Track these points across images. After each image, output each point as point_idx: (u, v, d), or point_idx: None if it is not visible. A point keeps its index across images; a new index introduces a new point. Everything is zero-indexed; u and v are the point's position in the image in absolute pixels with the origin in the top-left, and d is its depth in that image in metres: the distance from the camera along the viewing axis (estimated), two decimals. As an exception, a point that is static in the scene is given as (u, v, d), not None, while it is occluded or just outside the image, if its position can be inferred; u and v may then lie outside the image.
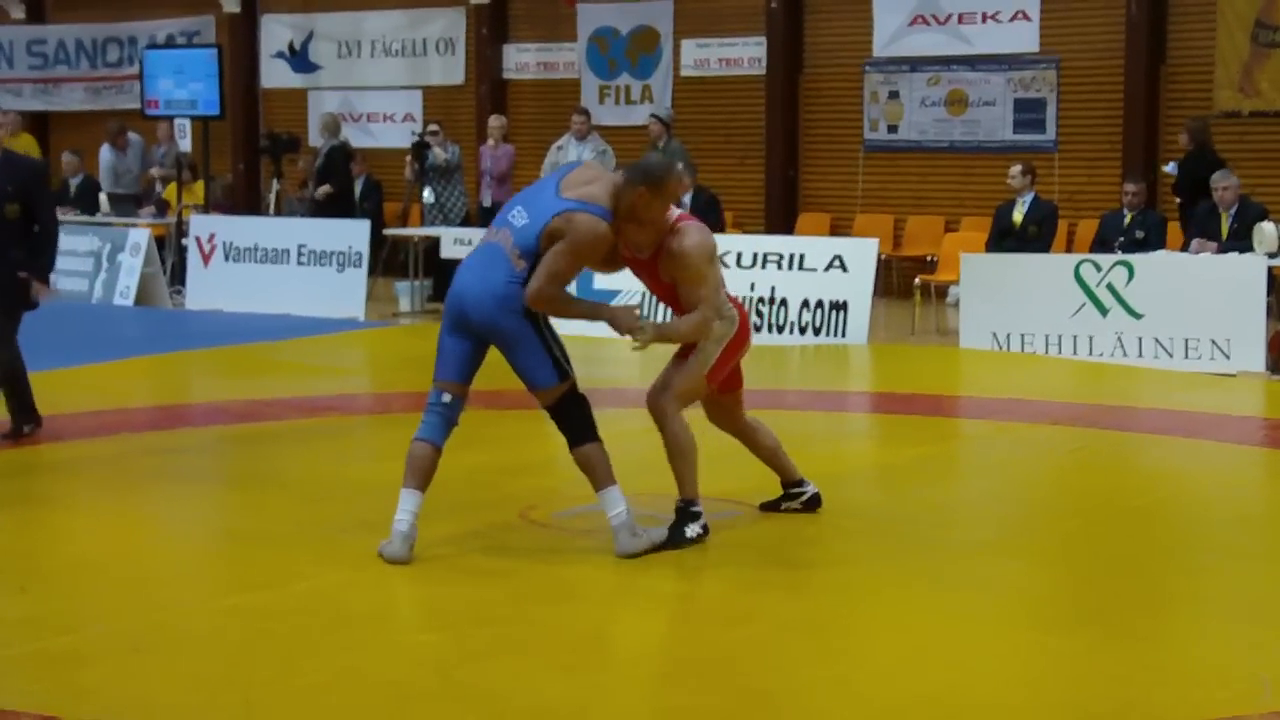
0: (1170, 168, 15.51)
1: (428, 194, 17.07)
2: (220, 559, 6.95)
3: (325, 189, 17.79)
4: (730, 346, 6.94)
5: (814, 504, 7.35)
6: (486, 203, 17.62)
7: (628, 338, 6.74)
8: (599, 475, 6.65)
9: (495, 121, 17.92)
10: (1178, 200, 15.05)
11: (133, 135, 20.46)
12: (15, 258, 9.18)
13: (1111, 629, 5.79)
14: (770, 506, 7.38)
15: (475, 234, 16.09)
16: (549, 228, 6.48)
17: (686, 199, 15.69)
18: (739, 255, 14.15)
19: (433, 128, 17.50)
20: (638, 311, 6.81)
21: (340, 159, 18.09)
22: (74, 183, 19.49)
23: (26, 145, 21.95)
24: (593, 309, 6.94)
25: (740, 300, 7.24)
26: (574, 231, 6.45)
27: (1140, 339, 12.72)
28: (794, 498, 7.33)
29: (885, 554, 6.81)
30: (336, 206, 17.72)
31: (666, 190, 6.55)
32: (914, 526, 7.31)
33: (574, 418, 6.67)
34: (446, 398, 6.69)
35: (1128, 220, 14.21)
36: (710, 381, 6.96)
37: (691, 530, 6.82)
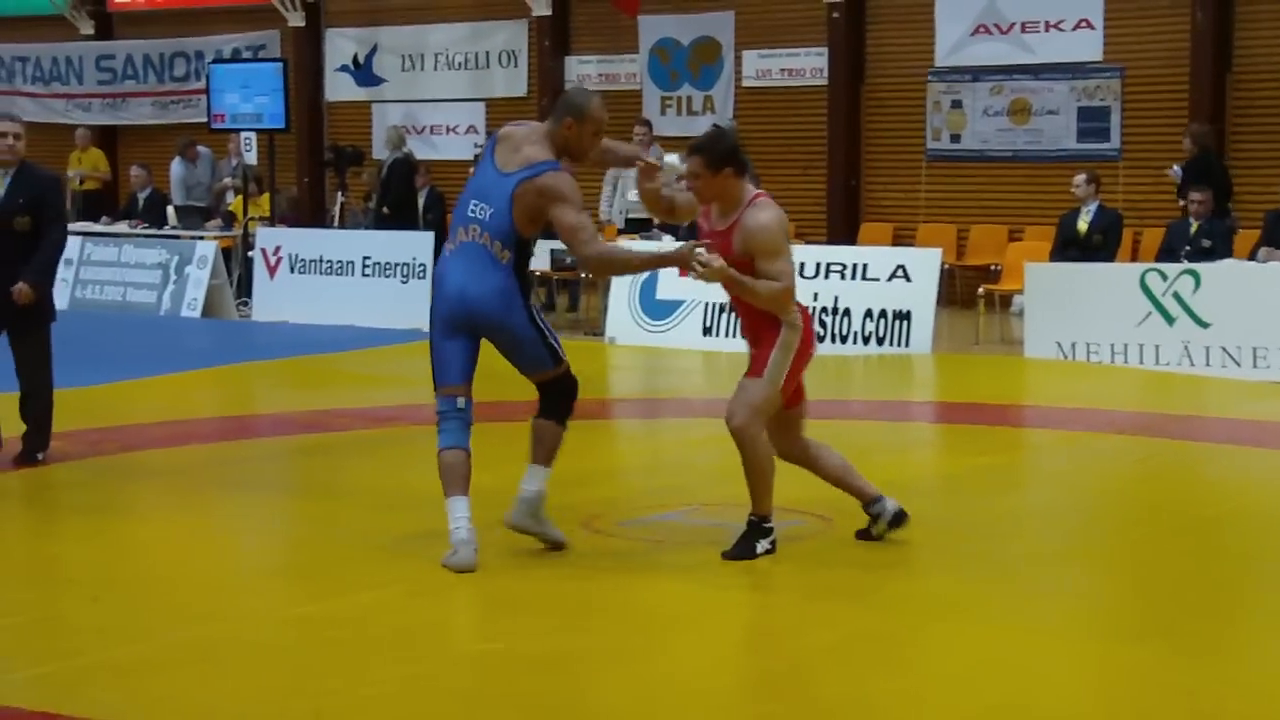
0: (1174, 171, 15.59)
1: None
2: (288, 568, 7.00)
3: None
4: (799, 355, 6.82)
5: (900, 520, 6.97)
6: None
7: (692, 277, 6.70)
8: (549, 450, 6.79)
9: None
10: (1181, 202, 15.05)
11: (202, 149, 20.66)
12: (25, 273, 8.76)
13: (1180, 640, 5.75)
14: (864, 535, 7.06)
15: (538, 245, 16.14)
16: (516, 208, 6.61)
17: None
18: (801, 265, 14.10)
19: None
20: (700, 249, 6.67)
21: (404, 172, 18.19)
22: (142, 196, 19.68)
23: (95, 159, 22.25)
24: (656, 258, 6.94)
25: (807, 309, 7.04)
26: (550, 193, 6.58)
27: (1207, 348, 12.62)
28: (877, 517, 7.00)
29: (952, 564, 6.78)
30: (399, 218, 17.82)
31: (589, 116, 6.72)
32: (980, 537, 7.27)
33: (565, 397, 6.84)
34: (460, 402, 6.78)
35: (1194, 229, 14.10)
36: (783, 395, 6.82)
37: (762, 546, 6.79)
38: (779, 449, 6.95)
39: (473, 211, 6.72)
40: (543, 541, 6.87)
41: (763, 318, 6.80)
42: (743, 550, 6.77)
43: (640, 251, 6.84)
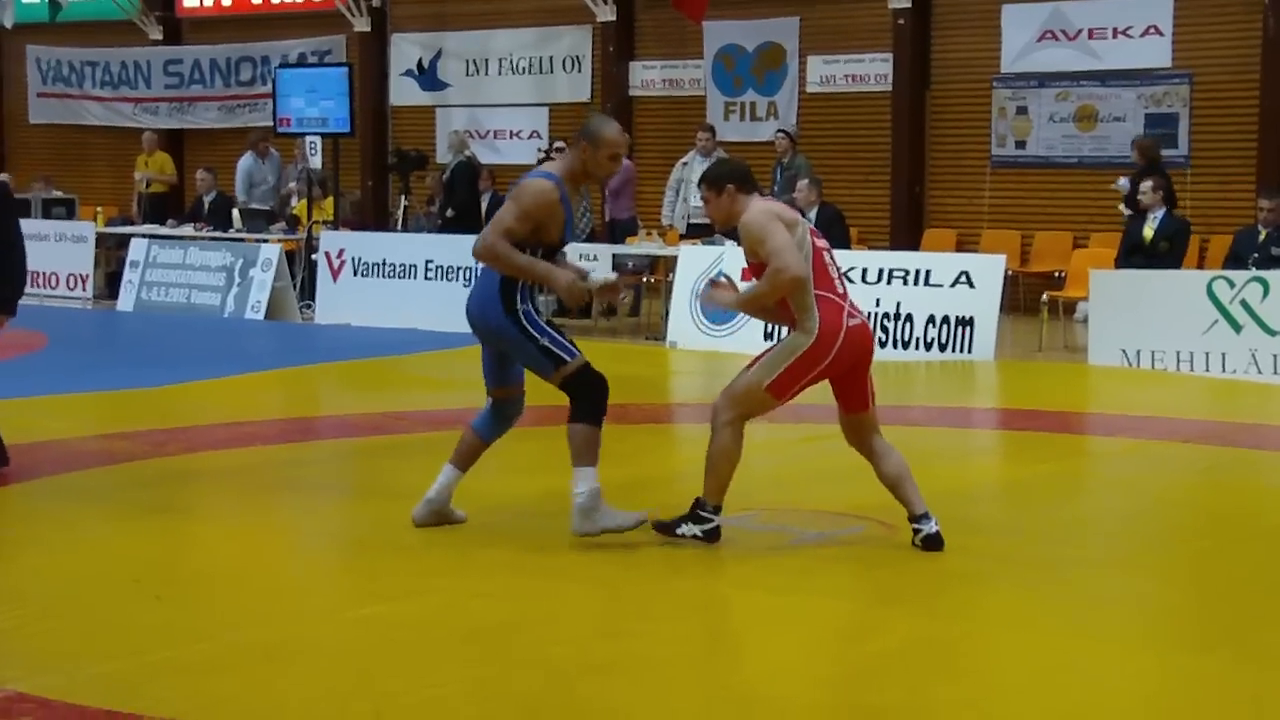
0: (1122, 183, 15.88)
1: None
2: (351, 570, 7.03)
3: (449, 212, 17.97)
4: (803, 360, 6.75)
5: (931, 544, 6.89)
6: (607, 217, 17.73)
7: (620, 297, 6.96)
8: (579, 453, 6.91)
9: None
10: (1128, 212, 15.52)
11: (273, 150, 20.80)
12: None
13: (1245, 650, 5.69)
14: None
15: (599, 249, 16.19)
16: (508, 212, 6.94)
17: (812, 214, 15.67)
18: (864, 271, 14.09)
19: (559, 144, 17.60)
20: (584, 270, 7.08)
21: (467, 176, 18.26)
22: (207, 199, 19.83)
23: (162, 163, 22.45)
24: (540, 271, 6.97)
25: (849, 319, 6.82)
26: (518, 191, 6.92)
27: (1275, 356, 12.50)
28: (916, 534, 6.95)
29: (1013, 571, 6.74)
30: (462, 222, 17.89)
31: (603, 141, 6.95)
32: (1042, 544, 7.23)
33: (579, 397, 6.95)
34: (486, 404, 7.32)
35: (1262, 236, 13.96)
36: (775, 395, 6.82)
37: (688, 529, 6.91)
38: (851, 441, 7.01)
39: None
40: (616, 531, 6.96)
41: (794, 319, 6.82)
42: (666, 526, 6.93)
43: (528, 260, 6.96)
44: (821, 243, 6.94)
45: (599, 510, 6.96)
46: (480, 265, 7.10)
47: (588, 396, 6.95)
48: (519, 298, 6.97)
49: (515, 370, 7.21)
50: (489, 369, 7.26)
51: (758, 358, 6.96)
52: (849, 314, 6.82)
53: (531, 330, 6.95)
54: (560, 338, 6.99)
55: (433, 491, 7.28)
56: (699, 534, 6.91)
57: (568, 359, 6.95)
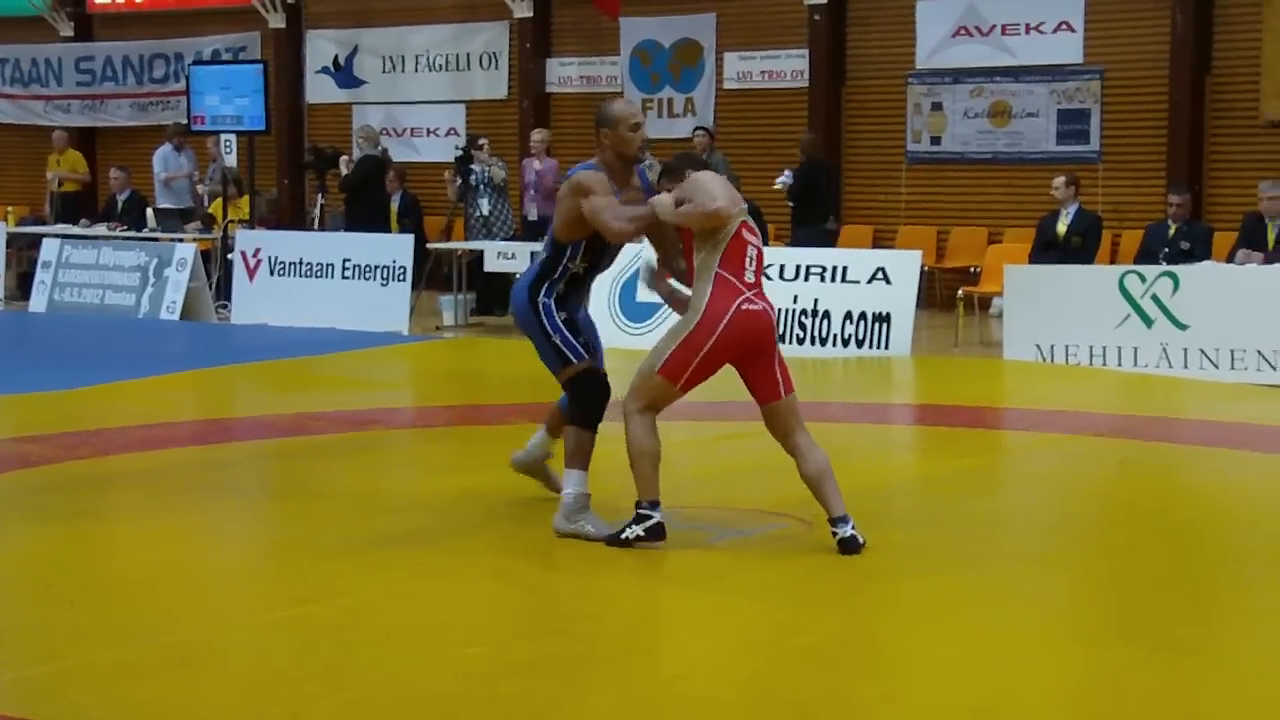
0: (784, 178, 16.63)
1: (485, 205, 17.15)
2: (267, 573, 6.99)
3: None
4: (689, 341, 6.78)
5: (848, 547, 6.82)
6: (532, 216, 17.69)
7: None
8: (570, 454, 7.09)
9: (537, 135, 18.00)
10: (790, 205, 16.63)
11: (188, 147, 20.60)
12: None
13: (1159, 642, 5.76)
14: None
15: (519, 248, 16.16)
16: (557, 213, 7.24)
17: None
18: (781, 268, 14.15)
19: (481, 141, 17.57)
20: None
21: (371, 169, 18.09)
22: (121, 198, 19.64)
23: (74, 161, 22.19)
24: (646, 211, 7.03)
25: (742, 304, 6.80)
26: (574, 185, 7.10)
27: (1186, 350, 12.66)
28: (834, 536, 6.88)
29: (931, 567, 6.79)
30: (369, 219, 17.71)
31: (616, 118, 7.17)
32: (960, 539, 7.29)
33: (577, 400, 7.16)
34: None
35: (1173, 231, 14.15)
36: (669, 379, 6.82)
37: (630, 532, 6.88)
38: (775, 436, 6.98)
39: None
40: (587, 538, 7.02)
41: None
42: (614, 537, 6.92)
43: (636, 207, 7.10)
44: (752, 238, 6.91)
45: (582, 514, 7.04)
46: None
47: (585, 400, 7.10)
48: (544, 291, 7.18)
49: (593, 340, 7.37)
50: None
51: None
52: (746, 300, 6.79)
53: (547, 325, 7.14)
54: (572, 339, 7.14)
55: (531, 442, 7.65)
56: (642, 533, 6.89)
57: (574, 360, 7.12)
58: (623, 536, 6.91)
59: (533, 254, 7.36)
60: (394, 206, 18.30)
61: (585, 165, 7.22)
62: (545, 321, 7.13)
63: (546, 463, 7.76)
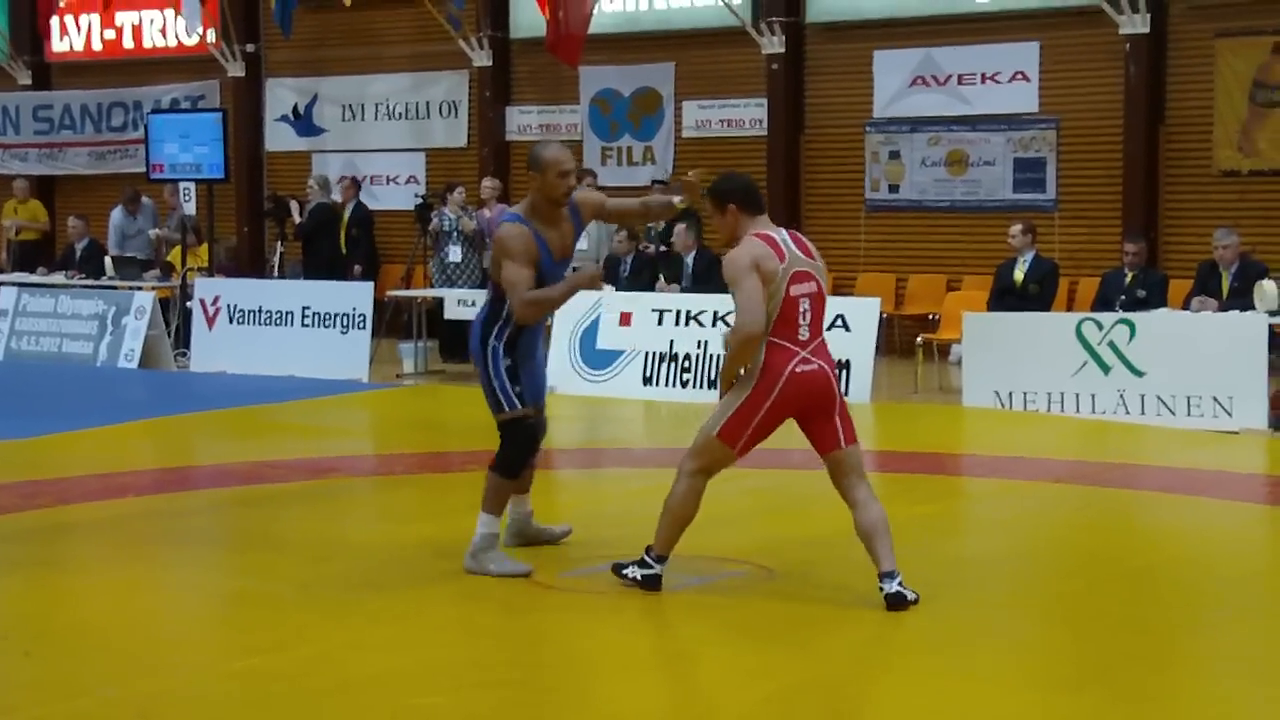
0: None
1: (455, 253, 17.19)
2: (226, 622, 6.95)
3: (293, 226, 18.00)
4: (747, 404, 6.81)
5: (892, 603, 6.73)
6: (486, 264, 17.70)
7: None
8: (485, 497, 7.38)
9: (487, 184, 18.09)
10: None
11: (146, 200, 20.56)
12: None
13: (1119, 689, 5.79)
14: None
15: (480, 294, 16.16)
16: (493, 260, 7.42)
17: (689, 258, 15.77)
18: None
19: (457, 189, 17.60)
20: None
21: (326, 216, 18.10)
22: (79, 246, 19.57)
23: (34, 210, 22.12)
24: (565, 286, 7.42)
25: (798, 366, 6.83)
26: (497, 242, 7.35)
27: (1143, 396, 12.75)
28: (881, 590, 6.78)
29: (891, 613, 6.79)
30: (327, 266, 17.71)
31: (544, 162, 7.27)
32: (919, 585, 7.27)
33: (504, 446, 7.40)
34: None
35: (1129, 279, 14.26)
36: (727, 442, 6.85)
37: (633, 571, 7.04)
38: (836, 489, 7.02)
39: None
40: (497, 576, 7.27)
41: None
42: (618, 566, 7.11)
43: (552, 288, 7.38)
44: (804, 287, 6.88)
45: (488, 553, 7.30)
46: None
47: (510, 449, 7.37)
48: (495, 333, 7.37)
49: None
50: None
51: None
52: (801, 361, 6.81)
53: (491, 369, 7.36)
54: (509, 386, 7.35)
55: (508, 518, 7.71)
56: (638, 578, 7.03)
57: (507, 408, 7.36)
58: (625, 571, 7.07)
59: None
60: (345, 214, 18.34)
61: (510, 215, 7.43)
62: (490, 365, 7.36)
63: (533, 520, 7.95)
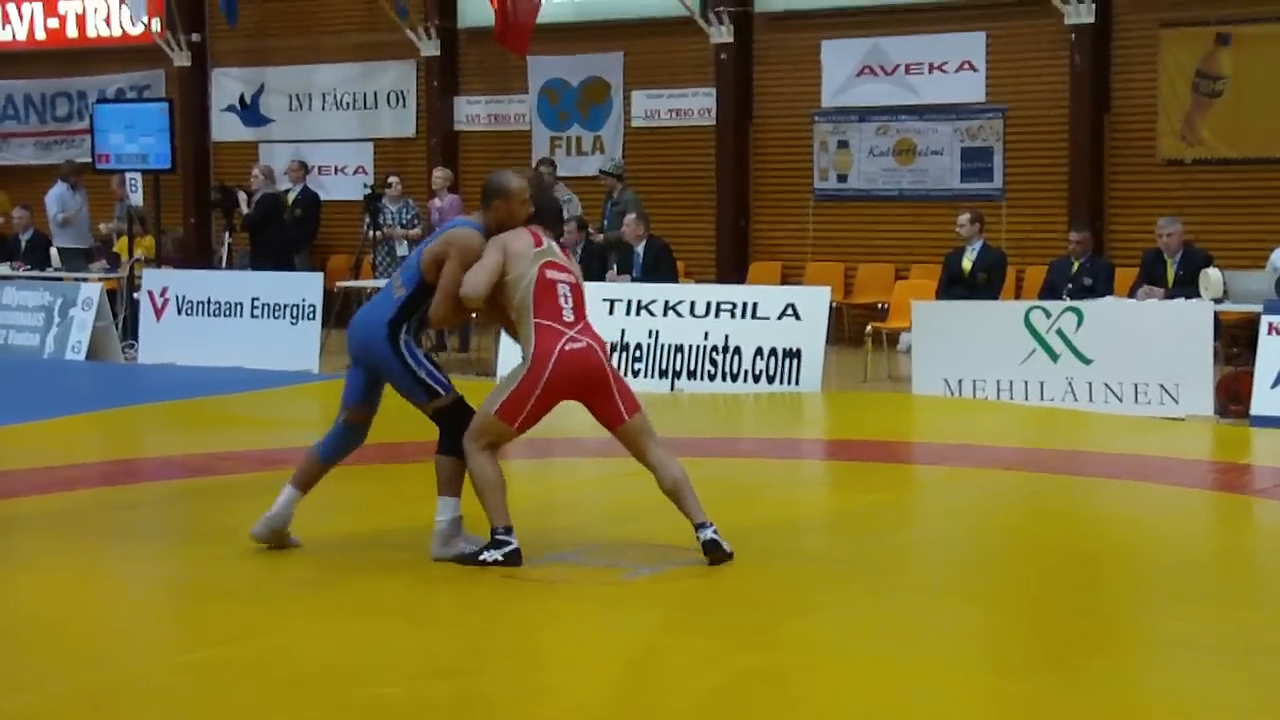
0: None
1: (403, 245, 17.15)
2: (177, 615, 6.93)
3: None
4: (522, 386, 7.10)
5: (709, 550, 7.14)
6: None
7: None
8: (444, 483, 7.32)
9: (438, 174, 18.05)
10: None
11: (83, 187, 20.37)
12: None
13: (1069, 673, 5.83)
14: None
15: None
16: (431, 252, 7.33)
17: (640, 248, 15.78)
18: (692, 304, 14.21)
19: (391, 180, 17.55)
20: None
21: (273, 206, 18.02)
22: (24, 237, 19.40)
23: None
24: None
25: (567, 345, 7.17)
26: (455, 241, 7.31)
27: (1090, 384, 12.84)
28: (698, 540, 7.17)
29: (842, 601, 6.84)
30: (273, 255, 17.63)
31: (512, 193, 7.39)
32: (870, 573, 7.34)
33: (448, 430, 7.33)
34: (341, 417, 7.59)
35: (1075, 267, 14.35)
36: (505, 420, 7.12)
37: (489, 555, 7.12)
38: (635, 459, 7.31)
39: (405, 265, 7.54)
40: (468, 561, 7.20)
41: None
42: (470, 557, 7.14)
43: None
44: (561, 275, 7.27)
45: (457, 537, 7.30)
46: (378, 296, 7.52)
47: (456, 430, 7.30)
48: (404, 330, 7.35)
49: (377, 396, 7.54)
50: (355, 390, 7.53)
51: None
52: (570, 340, 7.14)
53: (410, 361, 7.31)
54: (437, 372, 7.35)
55: (273, 510, 7.56)
56: (500, 558, 7.11)
57: (442, 392, 7.32)
58: (480, 558, 7.13)
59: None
60: (290, 197, 18.29)
61: (477, 225, 7.41)
62: (409, 359, 7.33)
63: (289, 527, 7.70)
